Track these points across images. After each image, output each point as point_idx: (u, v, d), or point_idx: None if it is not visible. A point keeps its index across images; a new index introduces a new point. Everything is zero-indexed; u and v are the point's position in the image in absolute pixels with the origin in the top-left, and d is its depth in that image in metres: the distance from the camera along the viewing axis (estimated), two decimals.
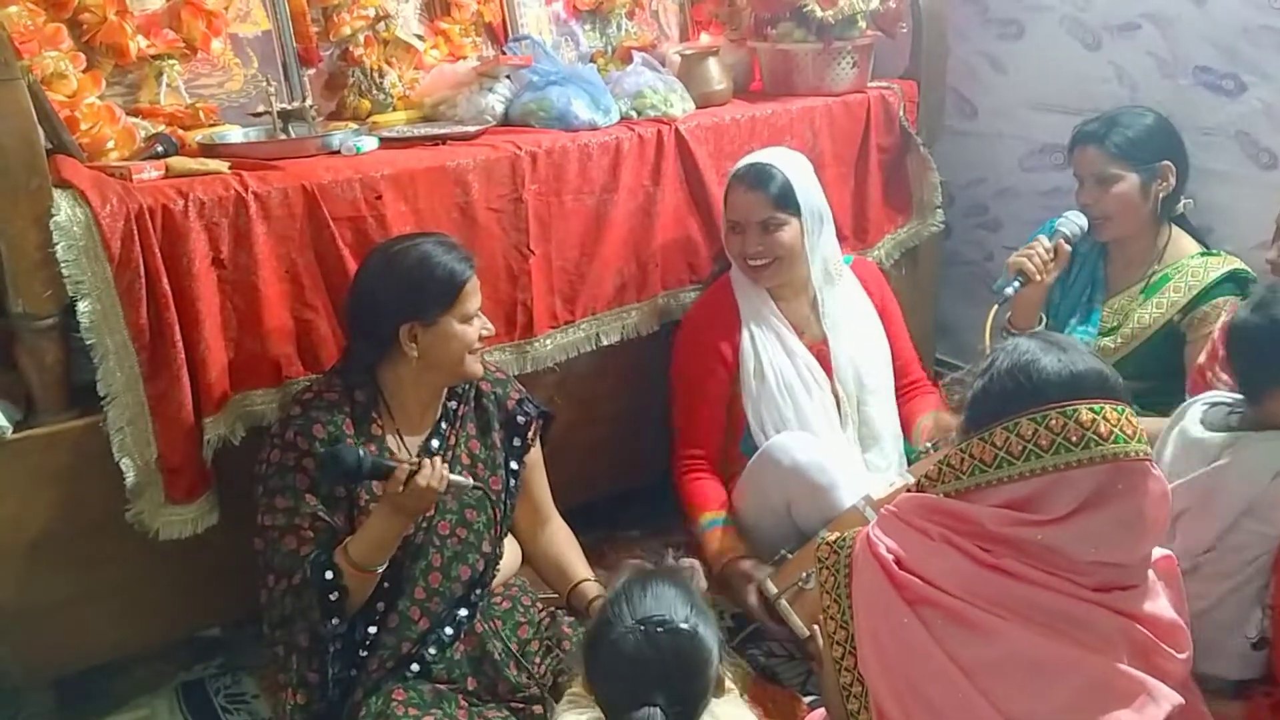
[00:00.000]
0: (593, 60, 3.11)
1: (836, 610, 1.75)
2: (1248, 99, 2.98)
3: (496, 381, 2.31)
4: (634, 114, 2.84)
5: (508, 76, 2.83)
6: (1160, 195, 2.83)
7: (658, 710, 1.60)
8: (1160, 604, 1.71)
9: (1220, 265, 2.80)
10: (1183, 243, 2.89)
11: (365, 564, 2.02)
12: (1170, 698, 1.66)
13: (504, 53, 2.91)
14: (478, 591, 2.21)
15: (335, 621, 2.01)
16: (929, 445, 2.67)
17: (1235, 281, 2.76)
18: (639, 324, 2.81)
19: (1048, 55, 3.34)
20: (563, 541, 2.40)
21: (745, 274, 2.73)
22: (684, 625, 1.65)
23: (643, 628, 1.64)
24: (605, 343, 2.75)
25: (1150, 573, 1.73)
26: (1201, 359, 2.52)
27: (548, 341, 2.66)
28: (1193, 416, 2.14)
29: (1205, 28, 3.02)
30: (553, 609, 2.32)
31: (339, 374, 2.17)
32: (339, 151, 2.46)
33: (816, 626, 1.93)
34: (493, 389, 2.29)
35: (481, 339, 2.16)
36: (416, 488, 1.98)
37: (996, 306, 2.74)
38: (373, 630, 2.11)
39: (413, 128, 2.69)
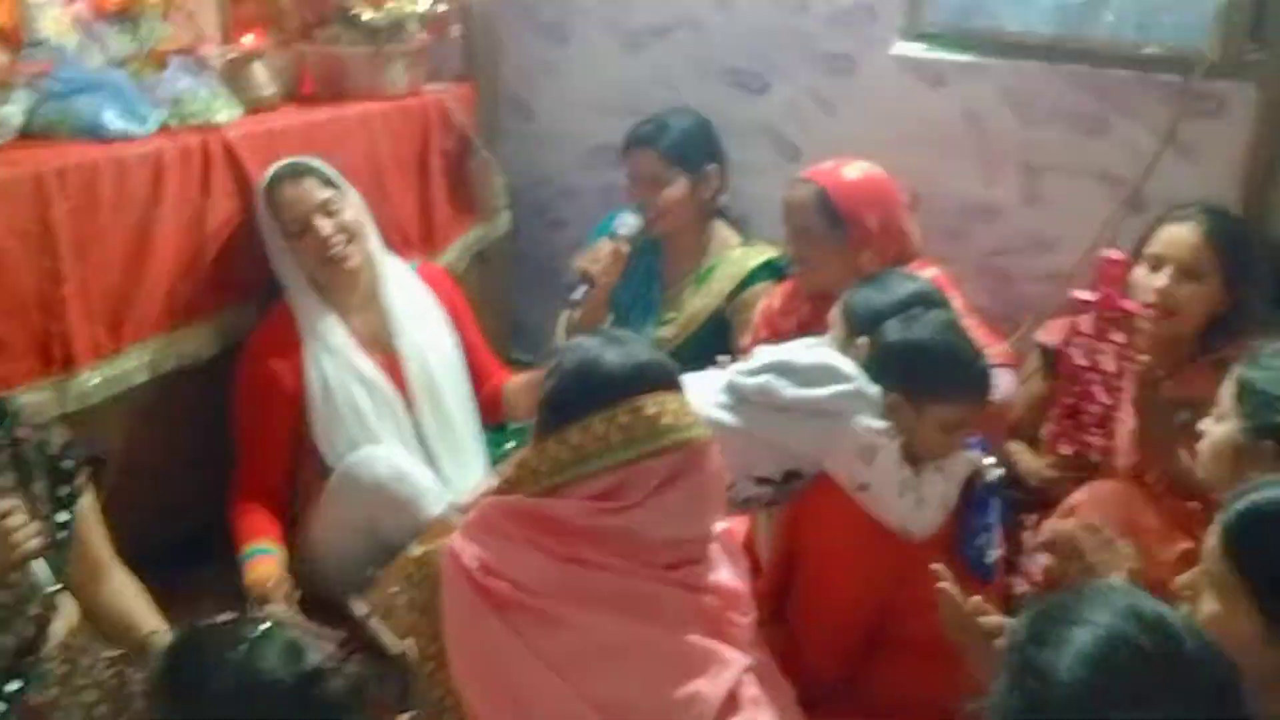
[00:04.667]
0: (124, 65, 2.87)
1: (426, 625, 1.75)
2: (772, 97, 3.26)
3: (36, 426, 2.08)
4: (175, 122, 2.65)
5: (26, 85, 2.56)
6: (706, 195, 3.08)
7: None
8: (724, 574, 1.84)
9: (758, 255, 3.09)
10: (726, 235, 3.16)
11: None
12: (739, 660, 1.79)
13: (19, 59, 2.63)
14: (28, 660, 1.99)
15: None
16: (512, 445, 2.73)
17: (770, 269, 3.06)
18: (198, 347, 2.64)
19: (595, 58, 3.48)
20: (127, 593, 2.20)
21: (324, 272, 2.63)
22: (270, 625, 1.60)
23: (256, 645, 1.55)
24: (160, 371, 2.57)
25: (713, 545, 1.85)
26: (746, 341, 2.78)
27: (93, 375, 2.43)
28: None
29: (733, 31, 3.27)
30: (121, 668, 2.13)
31: None
32: None
33: (410, 641, 1.90)
34: (33, 435, 2.06)
35: None
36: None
37: (567, 312, 2.85)
38: None
39: None
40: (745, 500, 2.22)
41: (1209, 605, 1.46)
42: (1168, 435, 2.33)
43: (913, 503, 2.12)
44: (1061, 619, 1.25)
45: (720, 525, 1.88)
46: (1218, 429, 1.93)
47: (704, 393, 2.20)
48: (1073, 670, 1.20)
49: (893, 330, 2.22)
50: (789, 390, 2.16)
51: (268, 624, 1.59)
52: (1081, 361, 2.36)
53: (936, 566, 1.82)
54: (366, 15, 2.95)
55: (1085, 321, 2.34)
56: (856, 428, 2.12)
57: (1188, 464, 2.31)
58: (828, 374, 2.18)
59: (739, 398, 2.20)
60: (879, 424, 2.14)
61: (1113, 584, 1.36)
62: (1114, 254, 2.35)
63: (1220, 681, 1.21)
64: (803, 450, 2.18)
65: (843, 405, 2.15)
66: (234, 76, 2.85)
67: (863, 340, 2.26)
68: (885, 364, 2.20)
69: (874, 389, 2.17)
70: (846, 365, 2.21)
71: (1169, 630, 1.22)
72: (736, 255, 3.10)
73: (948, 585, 1.80)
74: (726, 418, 2.17)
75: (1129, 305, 2.29)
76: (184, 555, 2.70)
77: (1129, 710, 1.17)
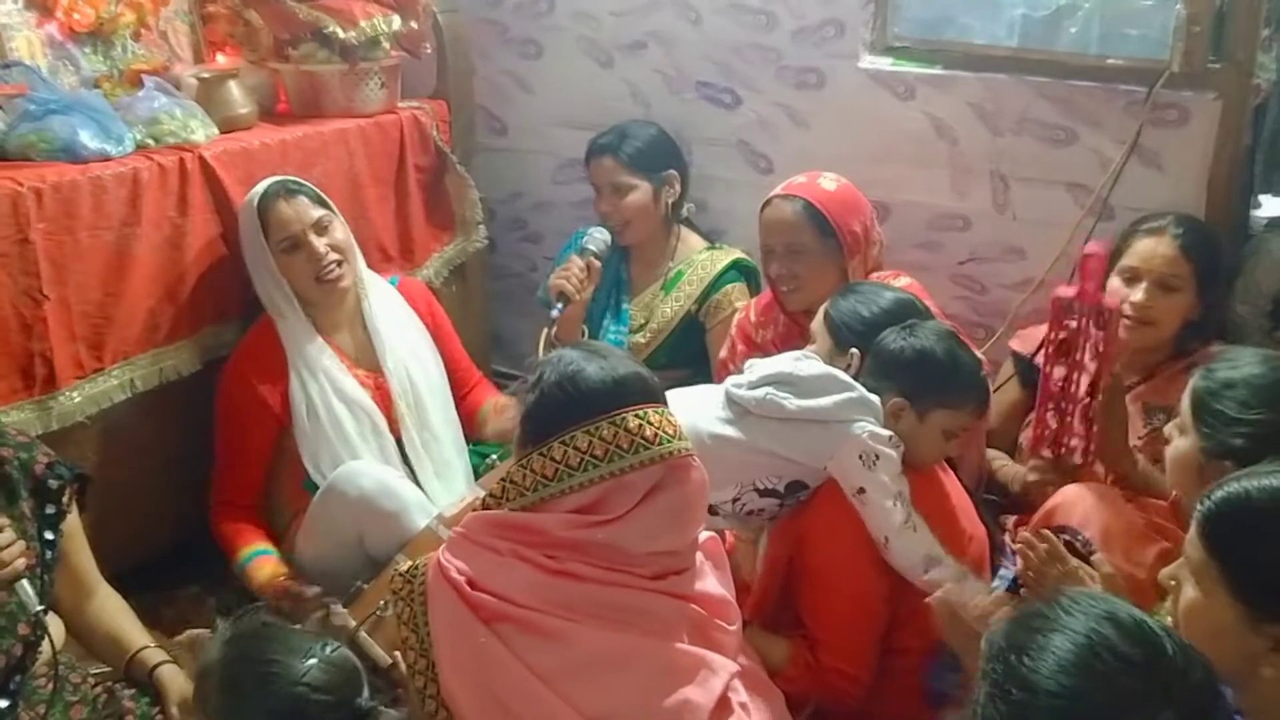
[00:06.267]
0: (97, 85, 2.88)
1: (415, 640, 1.75)
2: (744, 110, 3.30)
3: (20, 445, 2.08)
4: (151, 142, 2.66)
5: (0, 107, 2.56)
6: (669, 200, 3.15)
7: None
8: (709, 582, 1.86)
9: (725, 257, 3.16)
10: (691, 240, 3.24)
11: None
12: (727, 666, 1.81)
13: None
14: (18, 679, 1.98)
15: None
16: (495, 457, 2.75)
17: (739, 269, 3.13)
18: (179, 365, 2.66)
19: (567, 74, 3.50)
20: (113, 611, 2.20)
21: (315, 290, 2.63)
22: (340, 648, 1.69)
23: (323, 662, 1.64)
24: (142, 389, 2.57)
25: (699, 555, 1.87)
26: (723, 354, 2.82)
27: (75, 394, 2.44)
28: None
29: (703, 47, 3.31)
30: (109, 684, 2.13)
31: None
32: None
33: (399, 654, 1.92)
34: (15, 454, 2.06)
35: None
36: None
37: (546, 329, 2.88)
38: None
39: None
40: (750, 513, 2.23)
41: (1189, 593, 1.49)
42: (1125, 441, 2.37)
43: (903, 518, 2.13)
44: (1040, 627, 1.27)
45: (706, 534, 1.90)
46: (1182, 442, 1.95)
47: (701, 406, 2.22)
48: (1055, 678, 1.21)
49: (895, 339, 2.25)
50: (792, 402, 2.17)
51: (339, 646, 1.67)
52: (1063, 361, 2.38)
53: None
54: (341, 34, 2.96)
55: (1066, 318, 2.35)
56: (861, 434, 2.14)
57: (1145, 468, 2.36)
58: (829, 383, 2.20)
59: (740, 411, 2.21)
60: (883, 431, 2.16)
61: (1089, 591, 1.37)
62: (1094, 248, 2.37)
63: (1201, 684, 1.23)
64: (807, 459, 2.18)
65: (846, 413, 2.16)
66: (209, 96, 2.86)
67: (854, 352, 2.29)
68: (888, 371, 2.22)
69: (874, 397, 2.19)
70: (844, 375, 2.23)
71: (1148, 635, 1.24)
72: (703, 259, 3.17)
73: (944, 594, 1.83)
74: (729, 431, 2.19)
75: (1109, 301, 2.32)
76: (166, 571, 2.72)
77: (1113, 716, 1.19)
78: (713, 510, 2.17)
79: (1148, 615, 1.29)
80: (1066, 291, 2.35)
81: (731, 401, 2.22)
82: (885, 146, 3.09)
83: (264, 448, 2.66)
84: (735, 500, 2.20)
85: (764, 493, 2.21)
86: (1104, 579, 1.89)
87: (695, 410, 2.19)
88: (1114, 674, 1.21)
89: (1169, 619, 1.62)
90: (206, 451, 2.70)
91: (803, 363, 2.26)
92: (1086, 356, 2.34)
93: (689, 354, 3.09)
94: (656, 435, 1.77)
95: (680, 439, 1.80)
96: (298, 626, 1.83)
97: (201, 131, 2.73)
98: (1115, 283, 2.59)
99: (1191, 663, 1.23)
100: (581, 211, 3.47)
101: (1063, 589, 1.39)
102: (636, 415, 1.77)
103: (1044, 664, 1.23)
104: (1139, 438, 2.51)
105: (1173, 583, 1.55)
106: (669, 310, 3.13)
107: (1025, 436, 2.69)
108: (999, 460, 2.71)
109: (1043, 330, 2.69)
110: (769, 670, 2.06)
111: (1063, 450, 2.42)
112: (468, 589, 1.72)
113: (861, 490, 2.13)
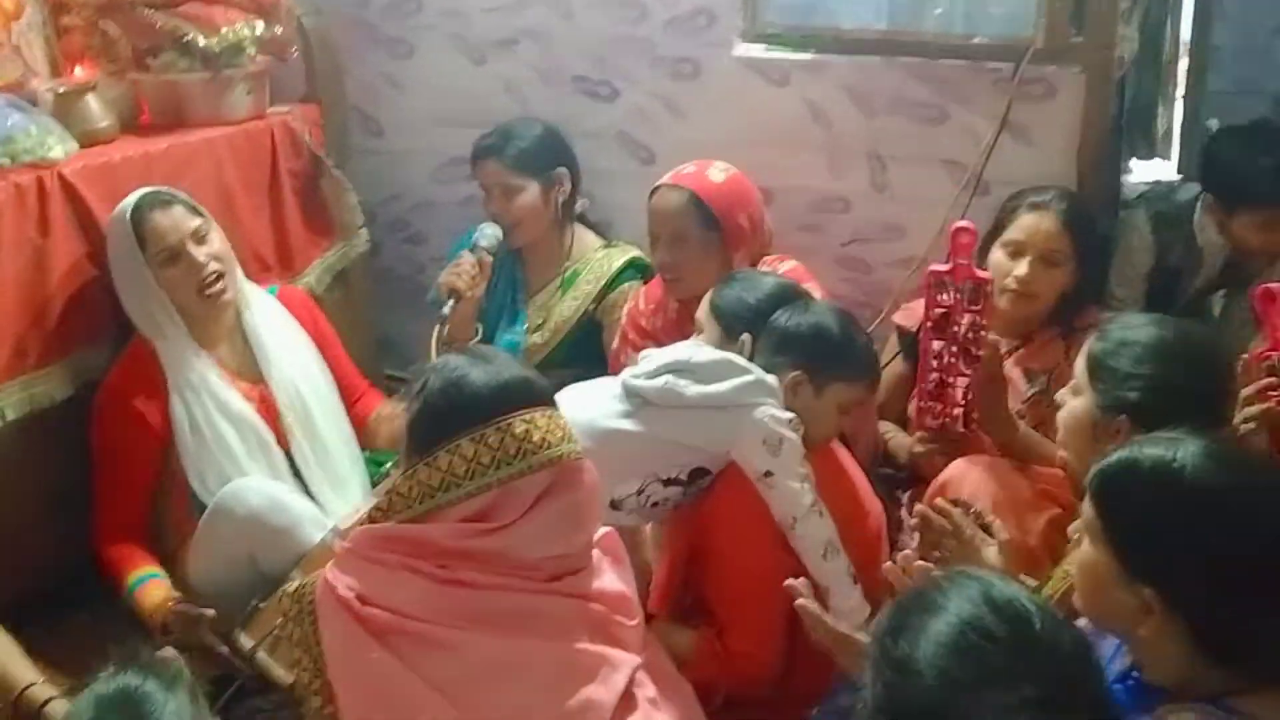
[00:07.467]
0: None
1: (309, 660, 1.72)
2: (622, 102, 3.30)
3: None
4: (6, 161, 2.55)
5: None
6: (560, 199, 3.10)
7: None
8: (607, 579, 1.86)
9: (622, 255, 3.13)
10: (587, 238, 3.19)
11: None
12: (629, 661, 1.81)
13: None
14: None
15: None
16: (390, 465, 2.70)
17: (635, 268, 3.11)
18: (50, 390, 2.55)
19: (440, 72, 3.46)
20: None
21: (197, 303, 2.55)
22: None
23: None
24: (11, 417, 2.47)
25: (595, 551, 1.87)
26: (615, 344, 2.80)
27: None
28: None
29: (577, 40, 3.29)
30: None
31: None
32: None
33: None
34: None
35: None
36: None
37: (438, 327, 2.83)
38: None
39: None
40: (654, 504, 2.22)
41: (1084, 546, 1.53)
42: (1005, 409, 2.42)
43: (810, 500, 2.14)
44: (918, 608, 1.30)
45: (603, 529, 1.89)
46: (1075, 402, 2.00)
47: (597, 401, 2.20)
48: (926, 658, 1.25)
49: (789, 316, 2.28)
50: (691, 388, 2.17)
51: None
52: (940, 334, 2.43)
53: (791, 583, 1.89)
54: (202, 41, 2.88)
55: (941, 293, 2.40)
56: (763, 417, 2.15)
57: (1027, 434, 2.42)
58: (727, 368, 2.20)
59: (640, 402, 2.19)
60: (784, 414, 2.17)
61: (969, 570, 1.41)
62: (963, 223, 2.41)
63: (1071, 657, 1.26)
64: (709, 446, 2.18)
65: (746, 396, 2.17)
66: (66, 110, 2.76)
67: (745, 337, 2.30)
68: (783, 347, 2.24)
69: (772, 378, 2.20)
70: (741, 359, 2.24)
71: (1019, 612, 1.27)
72: (600, 257, 3.14)
73: (805, 601, 1.87)
74: (627, 425, 2.17)
75: (982, 274, 2.38)
76: (53, 603, 2.62)
77: (982, 693, 1.22)
78: (616, 505, 2.17)
79: (1025, 590, 1.32)
80: (940, 267, 2.40)
81: (630, 393, 2.21)
82: (763, 132, 3.10)
83: (147, 470, 2.57)
84: (640, 492, 2.20)
85: (668, 482, 2.20)
86: (1002, 545, 1.92)
87: (592, 406, 2.17)
88: (980, 651, 1.24)
89: (1065, 584, 1.67)
90: (85, 477, 2.60)
91: (698, 349, 2.27)
92: (963, 330, 2.39)
93: (587, 353, 3.06)
94: (545, 440, 1.75)
95: (569, 442, 1.79)
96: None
97: (60, 148, 2.63)
98: (998, 255, 2.64)
99: (1060, 638, 1.26)
100: (465, 210, 3.43)
101: (944, 571, 1.42)
102: (524, 420, 1.75)
103: (918, 644, 1.26)
104: (1022, 402, 2.58)
105: (1077, 535, 1.60)
106: (567, 309, 3.10)
107: (913, 408, 2.74)
108: (889, 431, 2.75)
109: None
110: (676, 661, 2.06)
111: (945, 421, 2.48)
112: (358, 605, 1.69)
113: (769, 474, 2.13)
